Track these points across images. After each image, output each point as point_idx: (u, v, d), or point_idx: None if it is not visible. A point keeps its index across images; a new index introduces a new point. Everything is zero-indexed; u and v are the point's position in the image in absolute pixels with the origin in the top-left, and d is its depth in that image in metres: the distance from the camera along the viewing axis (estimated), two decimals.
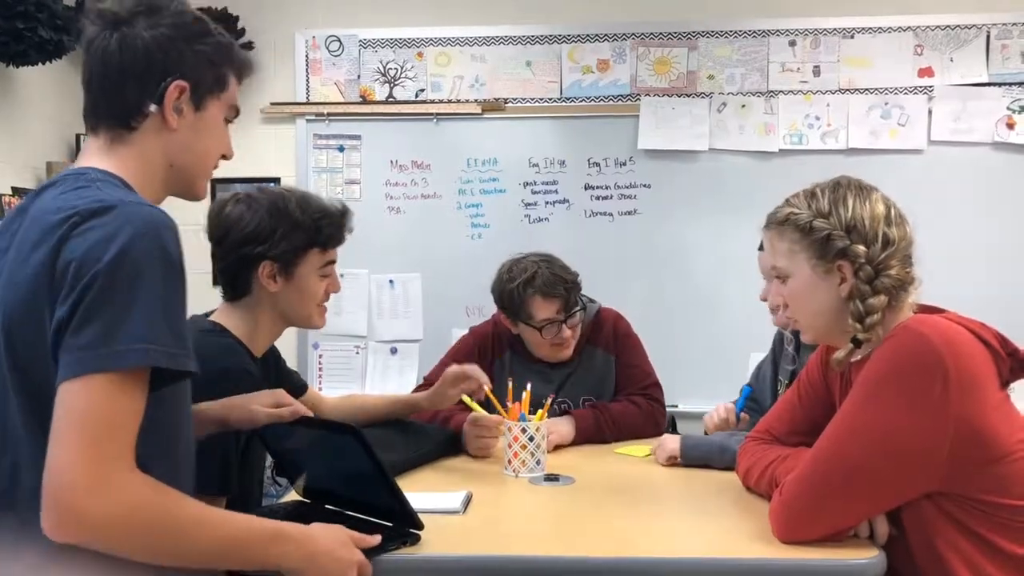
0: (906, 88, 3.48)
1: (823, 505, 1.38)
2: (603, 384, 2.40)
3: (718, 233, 3.52)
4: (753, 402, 2.24)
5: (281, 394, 1.58)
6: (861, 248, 1.45)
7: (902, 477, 1.35)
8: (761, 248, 2.11)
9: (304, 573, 1.24)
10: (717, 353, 3.52)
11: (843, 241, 1.46)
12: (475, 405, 2.04)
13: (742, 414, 2.12)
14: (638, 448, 2.10)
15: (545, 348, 2.36)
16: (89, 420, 1.06)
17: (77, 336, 1.07)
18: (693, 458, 1.92)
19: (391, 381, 3.68)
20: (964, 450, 1.32)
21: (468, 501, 1.64)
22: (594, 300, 2.48)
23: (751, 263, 3.38)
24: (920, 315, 1.41)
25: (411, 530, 1.44)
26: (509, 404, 1.98)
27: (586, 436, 2.22)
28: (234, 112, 1.36)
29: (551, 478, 1.83)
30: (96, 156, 1.25)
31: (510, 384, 2.09)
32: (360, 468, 1.46)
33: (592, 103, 3.59)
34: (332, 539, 1.30)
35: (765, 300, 2.07)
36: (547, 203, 3.62)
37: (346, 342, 3.71)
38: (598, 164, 3.60)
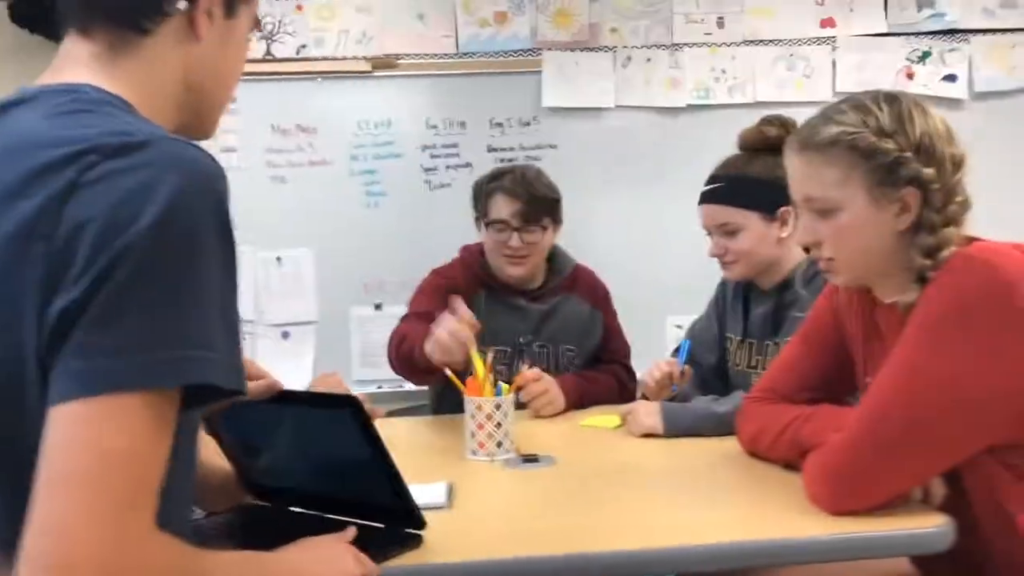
0: (809, 39, 3.41)
1: (882, 467, 1.21)
2: (588, 337, 2.25)
3: (629, 194, 3.36)
4: (691, 360, 2.08)
5: (249, 363, 1.26)
6: (932, 172, 1.27)
7: (971, 429, 1.19)
8: (705, 201, 1.94)
9: None
10: (630, 318, 3.36)
11: (914, 164, 1.27)
12: (453, 376, 1.77)
13: (685, 367, 1.96)
14: (606, 419, 1.90)
15: (495, 256, 2.20)
16: (115, 463, 0.74)
17: (97, 335, 0.75)
18: (678, 429, 1.74)
19: (284, 368, 3.34)
20: None
21: (451, 493, 1.40)
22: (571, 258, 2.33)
23: (663, 223, 3.27)
24: (980, 243, 1.26)
25: (410, 531, 1.18)
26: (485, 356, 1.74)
27: (568, 407, 2.04)
28: (256, 26, 1.04)
29: (529, 459, 1.60)
30: (86, 68, 0.91)
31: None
32: (350, 455, 1.19)
33: (491, 59, 3.35)
34: (332, 554, 1.04)
35: (715, 256, 1.92)
36: (448, 167, 3.36)
37: None
38: (501, 124, 3.37)
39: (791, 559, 1.25)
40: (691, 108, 3.39)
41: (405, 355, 1.97)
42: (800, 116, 3.10)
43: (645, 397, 1.95)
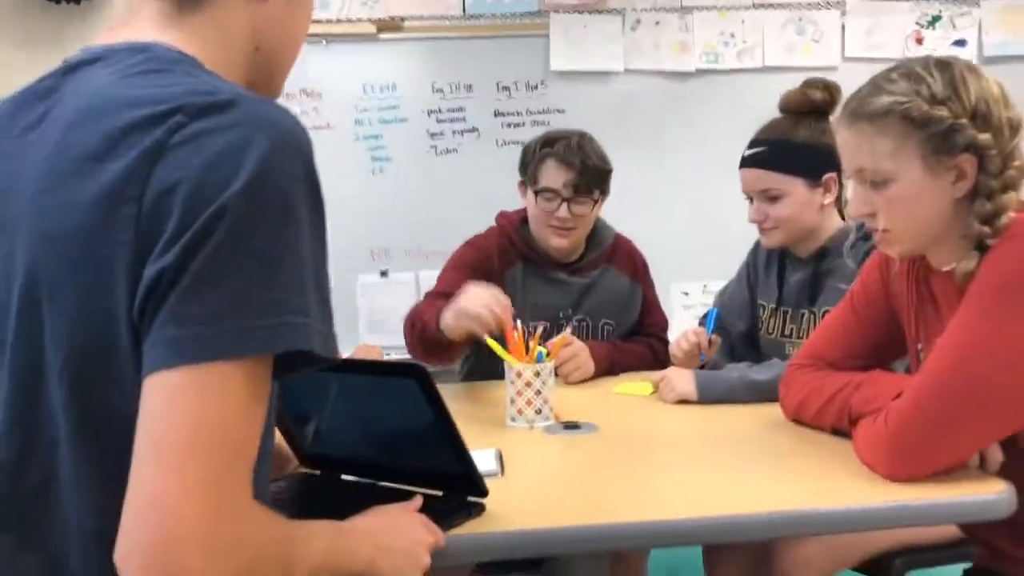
0: (819, 3, 3.37)
1: (944, 433, 1.20)
2: (627, 312, 2.20)
3: (638, 159, 3.32)
4: (720, 328, 2.06)
5: None
6: (989, 137, 1.24)
7: None
8: (746, 165, 1.91)
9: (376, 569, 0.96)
10: None
11: (969, 131, 1.25)
12: (493, 343, 1.72)
13: (713, 336, 1.94)
14: (639, 386, 1.88)
15: (540, 225, 2.12)
16: (214, 433, 0.72)
17: (193, 301, 0.72)
18: (713, 396, 1.72)
19: None
20: None
21: (501, 460, 1.38)
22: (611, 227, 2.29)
23: (671, 188, 3.24)
24: None
25: (472, 499, 1.16)
26: (518, 332, 1.70)
27: (599, 374, 2.02)
28: None
29: (571, 426, 1.59)
30: (154, 25, 0.88)
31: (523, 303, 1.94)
32: (411, 423, 1.16)
33: (498, 21, 3.29)
34: (402, 523, 1.03)
35: (755, 222, 1.90)
36: (455, 132, 3.31)
37: None
38: (508, 88, 3.32)
39: (852, 527, 1.24)
40: (700, 72, 3.36)
41: (419, 334, 1.91)
42: (803, 79, 3.08)
43: None
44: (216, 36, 0.90)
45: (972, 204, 1.26)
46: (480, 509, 1.16)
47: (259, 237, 0.75)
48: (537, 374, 1.61)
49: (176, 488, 0.70)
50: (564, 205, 2.07)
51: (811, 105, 1.87)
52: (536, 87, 3.32)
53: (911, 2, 3.38)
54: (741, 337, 2.03)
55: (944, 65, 1.29)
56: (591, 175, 2.08)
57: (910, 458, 1.21)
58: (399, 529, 1.02)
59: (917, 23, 3.39)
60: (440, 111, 3.30)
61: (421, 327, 1.90)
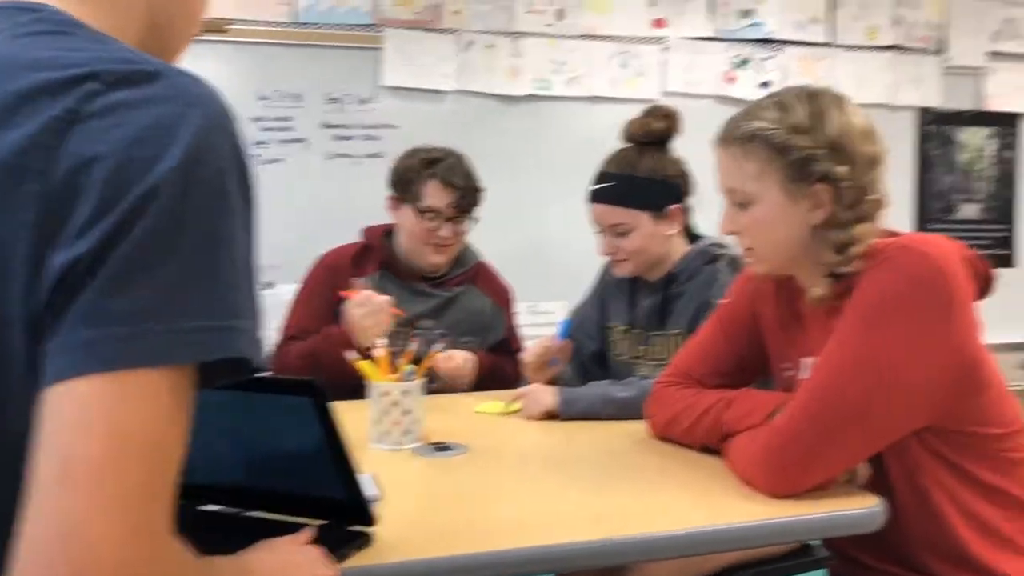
0: (642, 38, 3.51)
1: (824, 449, 1.24)
2: (489, 332, 2.20)
3: None
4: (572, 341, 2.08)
5: None
6: (844, 169, 1.31)
7: (905, 413, 1.25)
8: (596, 200, 1.93)
9: None
10: None
11: (825, 162, 1.31)
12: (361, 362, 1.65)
13: (564, 341, 1.96)
14: (497, 404, 1.85)
15: (418, 241, 2.13)
16: (137, 452, 0.61)
17: (115, 298, 0.62)
18: (574, 412, 1.72)
19: None
20: (959, 380, 1.25)
21: (377, 485, 1.30)
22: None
23: (505, 210, 3.23)
24: (915, 234, 1.32)
25: (358, 528, 1.08)
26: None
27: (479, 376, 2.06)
28: None
29: (441, 447, 1.53)
30: None
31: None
32: (295, 444, 1.07)
33: (331, 30, 3.19)
34: (301, 558, 0.93)
35: (607, 255, 1.93)
36: (281, 142, 3.17)
37: None
38: (338, 100, 3.22)
39: (731, 546, 1.26)
40: (531, 98, 3.40)
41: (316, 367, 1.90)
42: (632, 114, 3.18)
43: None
44: (112, 8, 0.79)
45: (827, 233, 1.33)
46: (367, 539, 1.08)
47: (195, 223, 0.66)
48: (405, 393, 1.54)
49: (89, 514, 0.59)
50: (447, 224, 2.12)
51: (653, 134, 1.92)
52: (367, 101, 3.24)
53: (725, 43, 3.59)
54: (592, 357, 2.05)
55: (812, 96, 1.35)
56: (471, 195, 2.15)
57: (791, 473, 1.25)
58: (300, 564, 0.93)
59: (731, 63, 3.60)
60: (265, 119, 3.16)
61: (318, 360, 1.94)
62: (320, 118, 3.20)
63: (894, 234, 1.37)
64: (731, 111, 3.43)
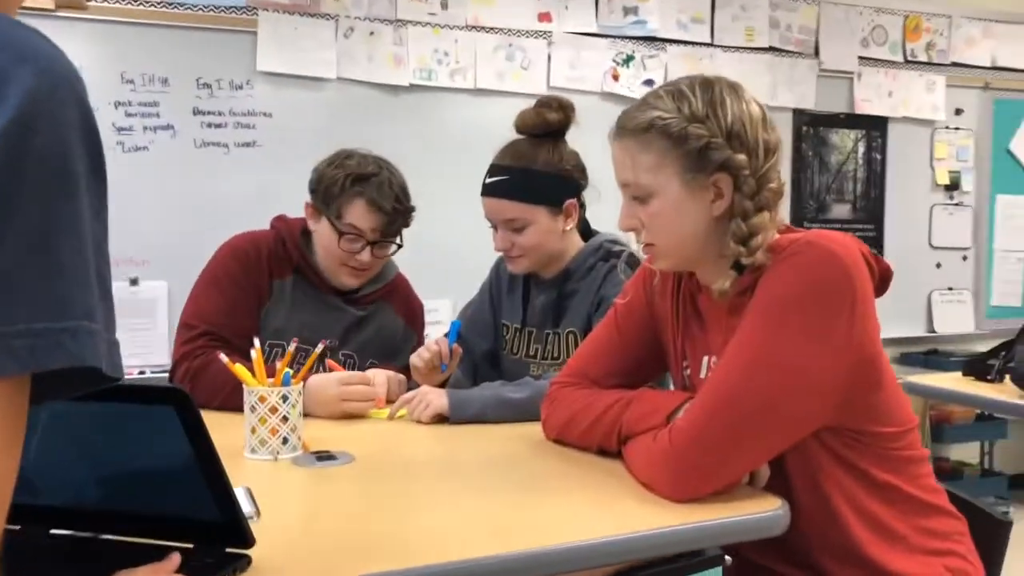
0: (528, 31, 3.46)
1: (728, 450, 1.20)
2: (396, 356, 1.97)
3: None
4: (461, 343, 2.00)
5: None
6: (743, 158, 1.28)
7: (810, 412, 1.22)
8: (489, 194, 1.86)
9: None
10: None
11: (724, 151, 1.27)
12: (238, 367, 1.50)
13: (455, 346, 1.84)
14: (377, 411, 1.75)
15: (333, 261, 1.89)
16: None
17: None
18: (466, 415, 1.64)
19: None
20: (860, 378, 1.24)
21: (253, 499, 1.19)
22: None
23: None
24: (819, 231, 1.29)
25: (234, 550, 0.97)
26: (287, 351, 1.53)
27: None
28: None
29: (324, 456, 1.42)
30: None
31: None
32: (160, 460, 0.96)
33: (201, 12, 3.01)
34: None
35: (501, 251, 1.86)
36: (146, 128, 2.97)
37: None
38: (209, 85, 3.04)
39: (637, 555, 1.19)
40: (414, 88, 3.31)
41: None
42: (518, 107, 3.13)
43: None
44: None
45: (729, 224, 1.29)
46: (246, 562, 0.97)
47: (27, 206, 0.55)
48: (284, 398, 1.42)
49: None
50: (368, 248, 1.88)
51: (547, 126, 1.85)
52: (241, 87, 3.08)
53: (609, 39, 3.58)
54: (484, 356, 1.98)
55: (707, 84, 1.32)
56: (401, 219, 1.91)
57: (694, 476, 1.20)
58: None
59: (614, 60, 3.59)
60: (130, 104, 2.96)
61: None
62: (189, 104, 3.02)
63: (792, 229, 1.35)
64: (616, 108, 3.40)
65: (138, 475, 1.00)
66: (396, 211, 1.88)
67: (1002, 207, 4.34)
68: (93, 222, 0.60)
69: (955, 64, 4.20)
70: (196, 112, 3.03)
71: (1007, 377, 1.99)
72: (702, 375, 1.37)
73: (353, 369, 1.90)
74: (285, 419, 1.42)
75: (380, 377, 1.79)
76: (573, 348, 1.81)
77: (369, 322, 1.99)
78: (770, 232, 1.28)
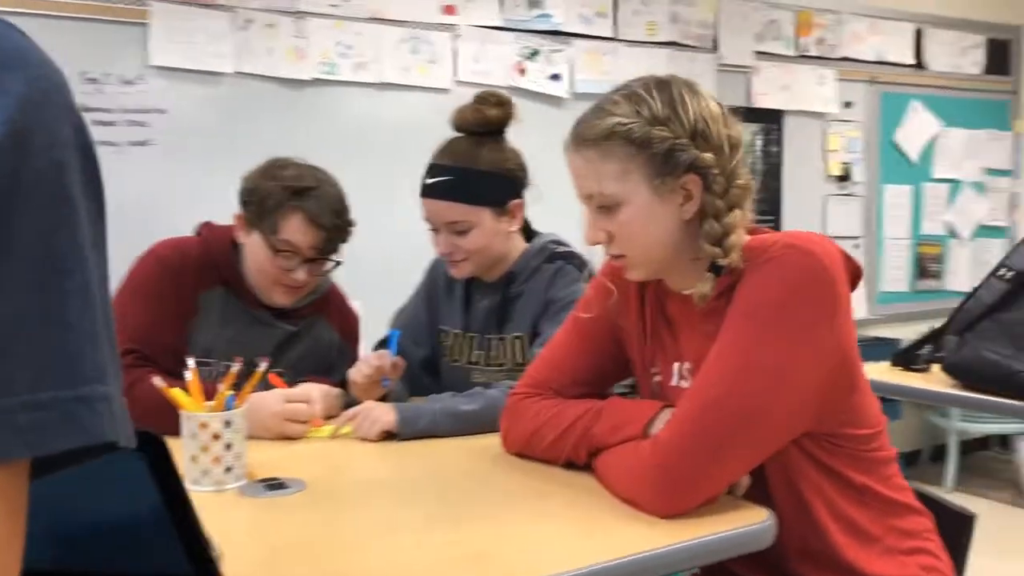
0: (433, 24, 3.37)
1: (716, 460, 1.16)
2: (332, 372, 1.83)
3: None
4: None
5: None
6: (710, 156, 1.23)
7: (796, 417, 1.19)
8: (431, 195, 1.76)
9: None
10: None
11: (690, 151, 1.22)
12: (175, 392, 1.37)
13: (397, 359, 1.74)
14: (323, 429, 1.64)
15: (266, 278, 1.75)
16: None
17: None
18: (415, 429, 1.56)
19: None
20: (840, 381, 1.22)
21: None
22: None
23: None
24: (796, 232, 1.26)
25: None
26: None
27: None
28: None
29: (274, 485, 1.31)
30: None
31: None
32: (124, 512, 0.84)
33: (88, 1, 2.79)
34: None
35: (443, 255, 1.77)
36: None
37: None
38: (96, 80, 2.83)
39: None
40: (316, 83, 3.17)
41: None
42: (423, 102, 3.04)
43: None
44: None
45: (702, 225, 1.26)
46: None
47: (23, 241, 0.45)
48: (228, 424, 1.31)
49: None
50: (304, 266, 1.75)
51: (488, 123, 1.78)
52: (132, 82, 2.87)
53: (515, 33, 3.52)
54: (422, 364, 1.89)
55: (663, 85, 1.27)
56: (340, 235, 1.78)
57: (681, 490, 1.16)
58: None
59: (519, 54, 3.53)
60: None
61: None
62: (76, 100, 2.79)
63: (758, 229, 1.32)
64: (523, 103, 3.37)
65: (98, 529, 0.88)
66: (336, 227, 1.75)
67: (889, 196, 4.50)
68: (95, 255, 0.50)
69: (844, 59, 4.32)
70: (83, 109, 2.78)
71: (935, 367, 2.03)
72: (673, 382, 1.34)
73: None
74: (229, 446, 1.31)
75: (315, 392, 1.67)
76: (519, 353, 1.74)
77: (302, 338, 1.86)
78: (743, 230, 1.25)
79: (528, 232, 1.86)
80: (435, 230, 1.76)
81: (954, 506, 1.40)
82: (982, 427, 4.39)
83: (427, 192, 1.74)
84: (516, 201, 1.77)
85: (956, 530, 1.37)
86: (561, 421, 1.35)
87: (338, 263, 1.83)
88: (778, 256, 1.19)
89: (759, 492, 1.25)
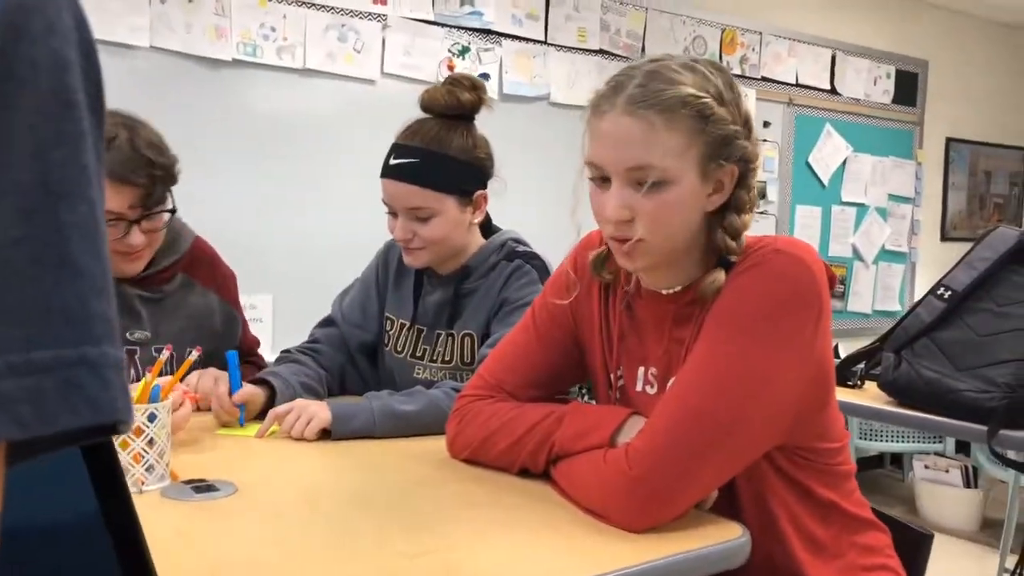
0: (362, 13, 3.25)
1: (694, 471, 1.10)
2: (224, 338, 1.70)
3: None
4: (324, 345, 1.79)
5: None
6: (754, 149, 1.17)
7: (774, 428, 1.14)
8: (394, 176, 1.65)
9: None
10: None
11: (743, 140, 1.14)
12: None
13: (240, 392, 1.56)
14: (245, 427, 1.51)
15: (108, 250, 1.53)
16: None
17: None
18: (349, 429, 1.46)
19: None
20: (817, 392, 1.18)
21: None
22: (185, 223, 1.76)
23: (203, 190, 2.80)
24: (780, 237, 1.21)
25: None
26: None
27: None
28: None
29: (202, 488, 1.18)
30: None
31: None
32: (53, 519, 0.71)
33: None
34: None
35: (401, 241, 1.66)
36: None
37: None
38: None
39: None
40: (237, 63, 3.01)
41: None
42: (347, 91, 2.87)
43: None
44: None
45: (724, 218, 1.18)
46: None
47: (12, 146, 0.35)
48: (152, 417, 1.18)
49: None
50: (134, 228, 1.56)
51: (460, 107, 1.66)
52: None
53: (445, 28, 3.43)
54: (360, 349, 1.77)
55: (717, 66, 1.18)
56: (161, 184, 1.57)
57: (657, 503, 1.09)
58: None
59: (449, 50, 3.45)
60: None
61: None
62: None
63: None
64: None
65: (18, 541, 0.75)
66: (152, 177, 1.54)
67: (800, 217, 4.59)
68: (97, 175, 0.39)
69: (765, 79, 4.39)
70: None
71: (868, 383, 2.03)
72: (638, 387, 1.27)
73: (173, 366, 1.55)
74: (151, 442, 1.18)
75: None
76: (468, 352, 1.65)
77: (171, 305, 1.69)
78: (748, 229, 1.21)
79: (487, 227, 1.76)
80: (393, 214, 1.65)
81: (913, 524, 1.37)
82: (879, 445, 4.50)
83: (391, 173, 1.63)
84: (481, 192, 1.68)
85: (913, 549, 1.34)
86: (518, 426, 1.27)
87: (173, 211, 1.64)
88: (765, 261, 1.14)
89: (725, 505, 1.19)
